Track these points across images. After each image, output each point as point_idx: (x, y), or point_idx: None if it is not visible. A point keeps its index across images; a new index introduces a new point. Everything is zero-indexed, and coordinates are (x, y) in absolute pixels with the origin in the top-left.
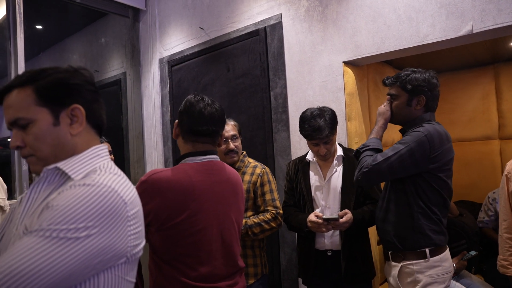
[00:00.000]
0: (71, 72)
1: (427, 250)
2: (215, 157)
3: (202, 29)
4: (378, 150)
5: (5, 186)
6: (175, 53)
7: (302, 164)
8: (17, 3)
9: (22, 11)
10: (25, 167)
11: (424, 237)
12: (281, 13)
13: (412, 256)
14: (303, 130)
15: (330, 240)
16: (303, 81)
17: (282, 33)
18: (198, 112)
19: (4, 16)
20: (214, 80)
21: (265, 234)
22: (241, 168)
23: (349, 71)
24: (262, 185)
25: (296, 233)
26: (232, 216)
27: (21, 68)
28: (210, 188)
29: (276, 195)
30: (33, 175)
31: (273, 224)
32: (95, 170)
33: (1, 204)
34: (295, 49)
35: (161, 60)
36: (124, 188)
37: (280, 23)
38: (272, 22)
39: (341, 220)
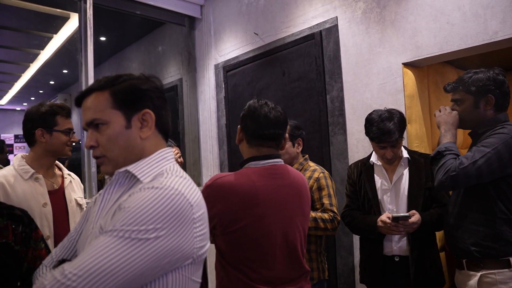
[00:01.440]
0: (144, 79)
1: (511, 259)
2: (279, 161)
3: (257, 34)
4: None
5: (82, 185)
6: (230, 59)
7: (365, 167)
8: (88, 18)
9: (92, 25)
10: (93, 169)
11: (508, 245)
12: (336, 16)
13: (493, 265)
14: (370, 133)
15: (397, 245)
16: (360, 83)
17: (338, 36)
18: (264, 116)
19: (75, 29)
20: (269, 85)
21: (316, 232)
22: (299, 171)
23: (409, 72)
24: (319, 189)
25: (359, 237)
26: (297, 220)
27: (91, 78)
28: (274, 193)
29: (334, 200)
30: (106, 177)
31: (328, 225)
32: (162, 173)
33: (79, 202)
34: (351, 51)
35: (216, 66)
36: (190, 191)
37: (336, 26)
38: (327, 26)
39: (410, 219)
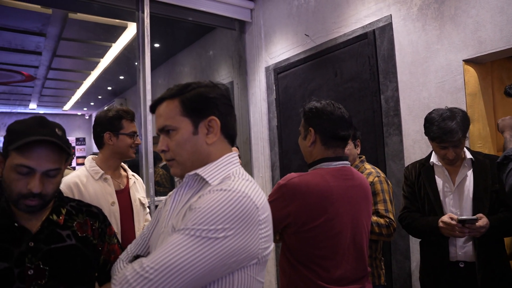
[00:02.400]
0: (211, 87)
1: None
2: (347, 163)
3: (308, 36)
4: None
5: (144, 186)
6: (280, 61)
7: (425, 168)
8: (145, 27)
9: (149, 33)
10: (151, 170)
11: None
12: (390, 14)
13: None
14: (430, 132)
15: (462, 250)
16: (416, 83)
17: (392, 35)
18: (340, 118)
19: (132, 37)
20: (321, 86)
21: (370, 236)
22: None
23: (470, 69)
24: (374, 194)
25: (419, 241)
26: (364, 221)
27: (148, 83)
28: (345, 193)
29: (389, 206)
30: (175, 179)
31: (383, 231)
32: (229, 176)
33: (143, 202)
34: (407, 50)
35: (267, 68)
36: (256, 194)
37: (390, 24)
38: (381, 24)
39: (477, 223)
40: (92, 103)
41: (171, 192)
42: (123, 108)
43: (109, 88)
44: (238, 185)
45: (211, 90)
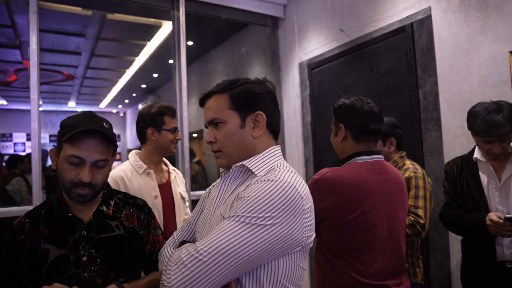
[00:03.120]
0: (258, 83)
1: None
2: (381, 157)
3: (342, 30)
4: None
5: (184, 180)
6: (314, 57)
7: (467, 164)
8: (180, 25)
9: (184, 31)
10: (187, 165)
11: None
12: (430, 6)
13: None
14: (474, 126)
15: (510, 249)
16: (457, 76)
17: (431, 27)
18: (369, 112)
19: (167, 36)
20: (356, 81)
21: None
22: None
23: None
24: (408, 189)
25: (461, 239)
26: (400, 215)
27: (184, 80)
28: (380, 187)
29: (421, 202)
30: (220, 169)
31: (408, 231)
32: (275, 168)
33: (183, 196)
34: (447, 43)
35: (300, 64)
36: (300, 185)
37: (429, 16)
38: (419, 17)
39: None
40: (126, 101)
41: (215, 183)
42: (164, 105)
43: (143, 86)
44: (284, 175)
45: (258, 87)
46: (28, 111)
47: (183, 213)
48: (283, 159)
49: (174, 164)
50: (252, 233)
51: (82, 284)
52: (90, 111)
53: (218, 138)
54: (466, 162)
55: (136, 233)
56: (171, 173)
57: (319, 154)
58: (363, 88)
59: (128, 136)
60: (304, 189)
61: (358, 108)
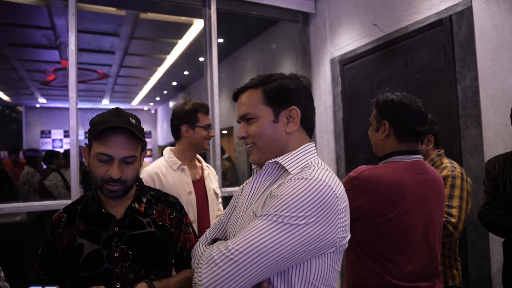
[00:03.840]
0: (293, 78)
1: None
2: (421, 157)
3: (376, 25)
4: None
5: (217, 177)
6: (346, 52)
7: (511, 163)
8: (212, 23)
9: (216, 28)
10: (218, 162)
11: None
12: None
13: None
14: None
15: None
16: (500, 71)
17: (472, 19)
18: (417, 112)
19: (198, 33)
20: (390, 77)
21: None
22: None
23: None
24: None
25: (502, 241)
26: (436, 217)
27: (215, 77)
28: (419, 188)
29: (456, 201)
30: (253, 166)
31: None
32: (309, 166)
33: (216, 192)
34: (489, 35)
35: (332, 60)
36: (335, 183)
37: (470, 8)
38: (459, 9)
39: None
40: (158, 98)
41: (247, 180)
42: (198, 102)
43: (174, 83)
44: (319, 174)
45: (293, 82)
46: (66, 108)
47: (216, 209)
48: (317, 156)
49: (205, 161)
50: (284, 232)
51: (114, 279)
52: (117, 108)
53: (250, 133)
54: (509, 160)
55: (167, 231)
56: (205, 169)
57: (351, 151)
58: (398, 84)
59: (159, 133)
60: (339, 188)
61: (405, 106)
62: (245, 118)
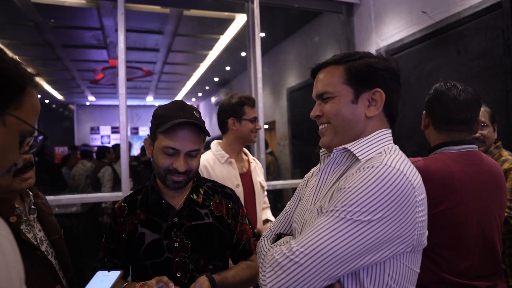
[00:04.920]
0: (381, 58)
1: None
2: (473, 147)
3: (425, 12)
4: None
5: (262, 170)
6: (393, 42)
7: None
8: (255, 17)
9: (259, 23)
10: (262, 155)
11: None
12: None
13: None
14: None
15: None
16: None
17: None
18: (453, 100)
19: (240, 28)
20: (440, 66)
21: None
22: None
23: None
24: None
25: None
26: (494, 211)
27: (259, 71)
28: (471, 180)
29: None
30: (320, 153)
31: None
32: (381, 153)
33: (262, 185)
34: None
35: (377, 51)
36: (412, 172)
37: None
38: None
39: None
40: (200, 94)
41: (313, 169)
42: (244, 95)
43: (216, 78)
44: (392, 161)
45: (381, 62)
46: (113, 106)
47: (262, 202)
48: (393, 144)
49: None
50: (354, 231)
51: (174, 268)
52: (181, 101)
53: (325, 111)
54: None
55: (224, 222)
56: (251, 162)
57: (398, 144)
58: (449, 73)
59: None
60: (416, 177)
61: (439, 96)
62: (321, 97)
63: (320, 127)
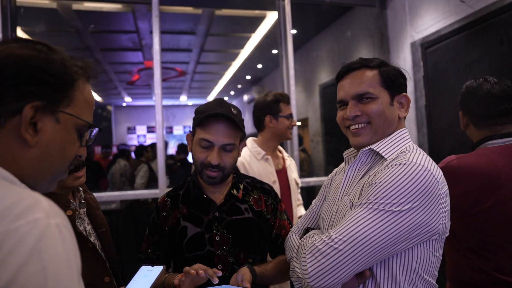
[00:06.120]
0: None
1: None
2: None
3: (464, 2)
4: None
5: (296, 167)
6: (429, 34)
7: None
8: (287, 14)
9: (290, 20)
10: (296, 152)
11: None
12: None
13: None
14: None
15: None
16: None
17: None
18: (487, 94)
19: (272, 24)
20: (481, 57)
21: None
22: None
23: None
24: None
25: None
26: None
27: (291, 68)
28: None
29: None
30: (344, 154)
31: None
32: (404, 151)
33: (297, 181)
34: None
35: (412, 44)
36: (434, 168)
37: None
38: None
39: None
40: (232, 92)
41: (337, 169)
42: (279, 92)
43: (248, 77)
44: (416, 159)
45: (398, 69)
46: (148, 106)
47: (296, 198)
48: (412, 142)
49: None
50: (386, 220)
51: (215, 261)
52: (220, 98)
53: (367, 111)
54: None
55: (263, 217)
56: (286, 159)
57: (435, 140)
58: (490, 65)
59: None
60: (438, 172)
61: (471, 93)
62: (361, 97)
63: (355, 126)
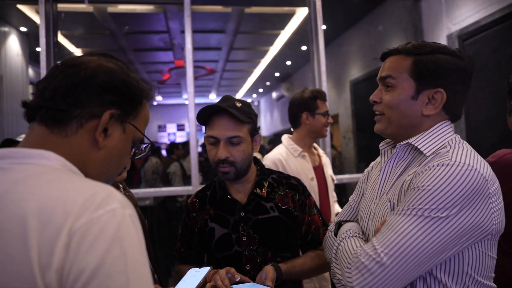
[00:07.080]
0: (454, 56)
1: None
2: None
3: None
4: None
5: (330, 163)
6: (467, 26)
7: None
8: (317, 9)
9: (321, 15)
10: (328, 149)
11: None
12: None
13: None
14: None
15: None
16: None
17: None
18: None
19: (301, 21)
20: None
21: None
22: None
23: None
24: None
25: None
26: None
27: (323, 64)
28: None
29: None
30: (380, 146)
31: None
32: (446, 146)
33: (333, 178)
34: None
35: (449, 36)
36: (481, 164)
37: None
38: None
39: None
40: (261, 90)
41: (373, 163)
42: (316, 89)
43: (277, 74)
44: (460, 157)
45: (452, 61)
46: (178, 105)
47: (333, 195)
48: (455, 135)
49: None
50: (433, 228)
51: (243, 261)
52: (226, 95)
53: (384, 100)
54: None
55: (291, 214)
56: (321, 156)
57: (474, 135)
58: None
59: (263, 123)
60: (486, 169)
61: None
62: (384, 81)
63: (376, 112)
